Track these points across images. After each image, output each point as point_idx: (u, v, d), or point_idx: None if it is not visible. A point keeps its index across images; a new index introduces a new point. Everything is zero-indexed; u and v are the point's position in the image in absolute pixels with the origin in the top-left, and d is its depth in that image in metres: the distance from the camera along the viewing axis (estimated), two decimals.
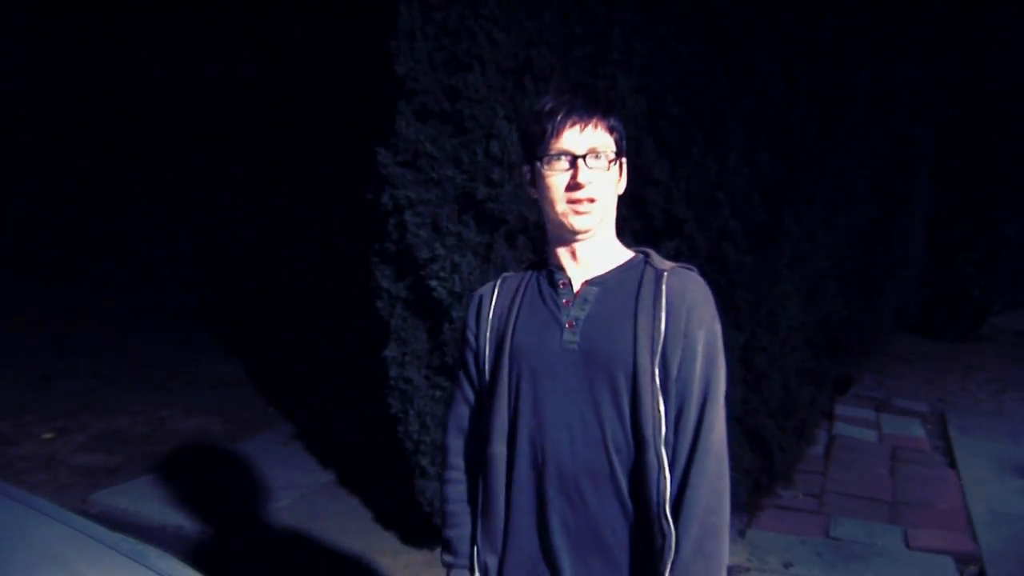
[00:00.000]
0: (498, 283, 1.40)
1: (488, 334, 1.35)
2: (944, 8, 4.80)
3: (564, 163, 1.25)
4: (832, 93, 3.40)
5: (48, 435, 4.54)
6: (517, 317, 1.33)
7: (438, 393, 3.00)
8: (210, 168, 8.62)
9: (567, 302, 1.30)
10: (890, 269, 4.62)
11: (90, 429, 4.65)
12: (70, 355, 6.16)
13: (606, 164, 1.27)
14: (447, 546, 1.42)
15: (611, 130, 1.29)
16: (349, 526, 3.50)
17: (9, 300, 8.06)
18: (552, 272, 1.34)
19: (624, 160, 1.34)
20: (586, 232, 1.29)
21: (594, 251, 1.32)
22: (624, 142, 1.33)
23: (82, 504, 3.66)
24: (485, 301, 1.39)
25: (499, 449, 1.31)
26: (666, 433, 1.23)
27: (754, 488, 3.48)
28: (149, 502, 3.67)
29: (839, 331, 4.03)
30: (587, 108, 1.27)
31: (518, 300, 1.35)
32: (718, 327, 1.31)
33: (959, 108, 6.33)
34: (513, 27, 2.72)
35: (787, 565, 3.21)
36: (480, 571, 1.36)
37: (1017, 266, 7.38)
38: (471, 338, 1.39)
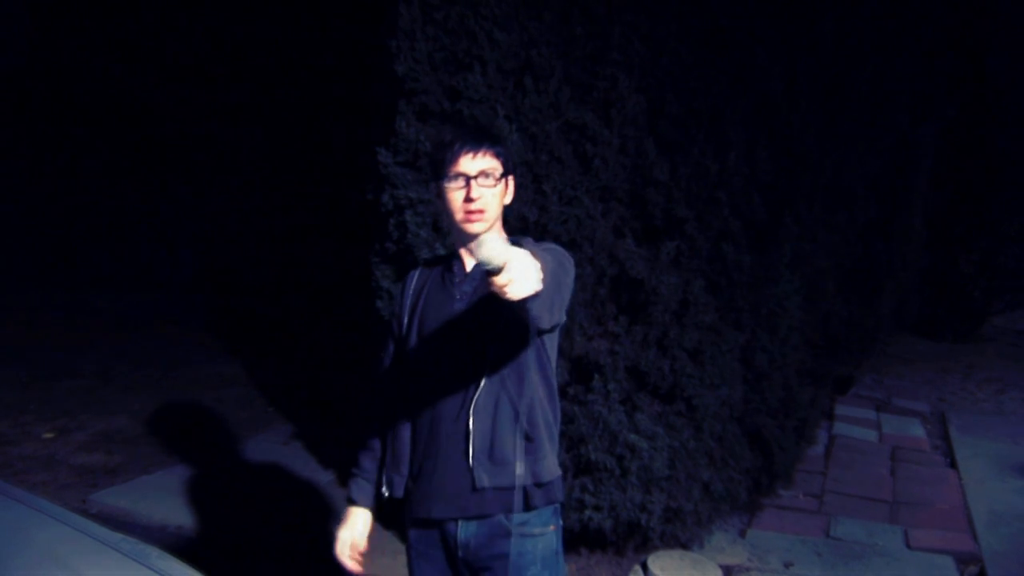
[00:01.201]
0: (420, 268, 1.80)
1: (407, 304, 1.74)
2: (944, 8, 4.80)
3: (460, 182, 1.60)
4: (832, 93, 3.40)
5: (48, 435, 4.54)
6: (428, 293, 1.72)
7: None
8: (210, 167, 8.62)
9: (460, 281, 1.68)
10: (890, 269, 4.62)
11: (90, 429, 4.64)
12: (70, 355, 6.16)
13: (493, 182, 1.62)
14: (356, 462, 1.83)
15: (497, 155, 1.64)
16: None
17: (9, 300, 8.06)
18: (452, 261, 1.72)
19: (511, 177, 1.69)
20: (478, 234, 1.59)
21: None
22: (510, 164, 1.68)
23: (82, 504, 3.66)
24: (408, 281, 1.78)
25: (409, 390, 1.70)
26: (531, 372, 1.58)
27: (754, 488, 3.48)
28: (149, 502, 3.66)
29: (839, 331, 4.04)
30: (477, 139, 1.62)
31: (428, 281, 1.74)
32: (568, 262, 1.60)
33: (959, 108, 6.33)
34: (513, 27, 2.72)
35: (787, 565, 3.21)
36: (387, 486, 1.74)
37: (1017, 266, 7.37)
38: (396, 307, 1.78)
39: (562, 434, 2.93)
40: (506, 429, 1.59)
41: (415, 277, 1.77)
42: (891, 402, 5.42)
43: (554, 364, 1.69)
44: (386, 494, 1.75)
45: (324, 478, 4.03)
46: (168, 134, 9.05)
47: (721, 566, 3.10)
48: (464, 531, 1.64)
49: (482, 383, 1.59)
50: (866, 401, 5.40)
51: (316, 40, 7.68)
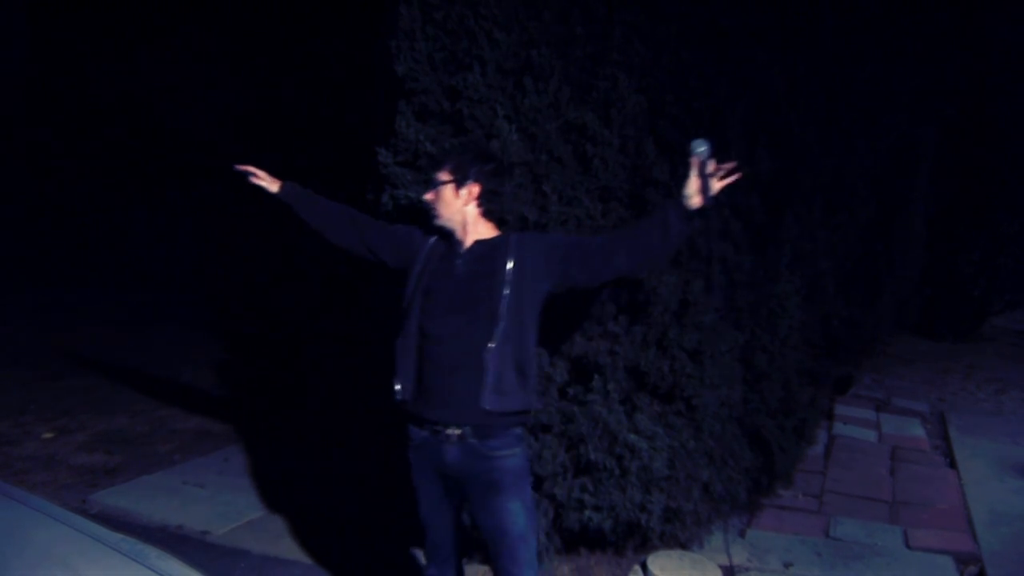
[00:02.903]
0: (435, 237, 2.28)
1: (421, 256, 2.25)
2: (944, 8, 4.80)
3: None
4: (832, 93, 3.40)
5: (48, 435, 4.54)
6: (436, 259, 2.24)
7: None
8: (210, 167, 8.61)
9: (457, 255, 2.21)
10: (890, 269, 4.62)
11: (90, 429, 4.65)
12: (70, 355, 6.16)
13: (442, 188, 2.20)
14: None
15: (447, 170, 2.21)
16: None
17: (10, 300, 8.07)
18: (449, 239, 2.25)
19: (463, 183, 2.19)
20: (440, 225, 2.22)
21: (471, 233, 2.22)
22: (468, 175, 2.19)
23: (82, 504, 3.66)
24: (427, 239, 2.28)
25: (413, 327, 2.19)
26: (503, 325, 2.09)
27: (754, 488, 3.48)
28: (149, 502, 3.67)
29: (839, 331, 4.04)
30: (438, 157, 2.43)
31: (437, 249, 2.25)
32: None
33: (959, 108, 6.33)
34: (513, 27, 2.72)
35: (787, 565, 3.21)
36: (400, 395, 2.21)
37: (1017, 266, 7.37)
38: (413, 243, 2.29)
39: (562, 434, 2.93)
40: (509, 367, 2.09)
41: (433, 241, 2.27)
42: (891, 402, 5.42)
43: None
44: (398, 397, 2.21)
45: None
46: (168, 134, 9.05)
47: (721, 566, 3.10)
48: (450, 453, 2.14)
49: (496, 333, 2.07)
50: (866, 401, 5.40)
51: (316, 40, 7.68)
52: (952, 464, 4.33)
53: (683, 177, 2.86)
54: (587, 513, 2.92)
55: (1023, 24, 6.79)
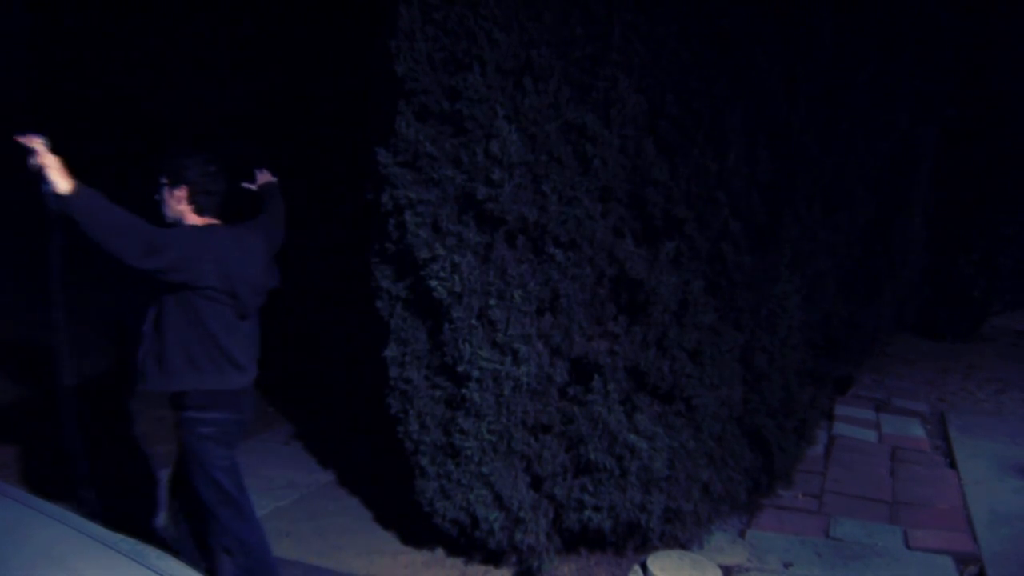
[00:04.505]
0: None
1: None
2: (944, 7, 4.79)
3: None
4: (832, 93, 3.40)
5: None
6: None
7: (438, 393, 3.01)
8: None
9: None
10: (890, 269, 4.62)
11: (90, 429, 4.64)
12: (70, 355, 6.15)
13: (163, 191, 2.58)
14: None
15: (166, 174, 2.57)
16: (349, 526, 3.50)
17: (9, 300, 8.06)
18: None
19: (182, 188, 2.57)
20: (168, 222, 2.60)
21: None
22: (174, 177, 2.57)
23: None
24: None
25: None
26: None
27: (753, 488, 3.48)
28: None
29: (839, 331, 4.03)
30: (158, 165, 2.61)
31: None
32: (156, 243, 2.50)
33: (959, 108, 6.32)
34: (513, 27, 2.72)
35: (787, 565, 3.21)
36: None
37: (1017, 266, 7.36)
38: None
39: (562, 434, 2.94)
40: (175, 353, 2.53)
41: None
42: (891, 402, 5.42)
43: (207, 314, 2.53)
44: None
45: (324, 478, 4.03)
46: (169, 133, 9.04)
47: (721, 566, 3.10)
48: None
49: (158, 321, 2.58)
50: (866, 401, 5.40)
51: (316, 40, 7.68)
52: (952, 464, 4.33)
53: (683, 177, 2.88)
54: (587, 513, 2.93)
55: (1023, 23, 6.78)
